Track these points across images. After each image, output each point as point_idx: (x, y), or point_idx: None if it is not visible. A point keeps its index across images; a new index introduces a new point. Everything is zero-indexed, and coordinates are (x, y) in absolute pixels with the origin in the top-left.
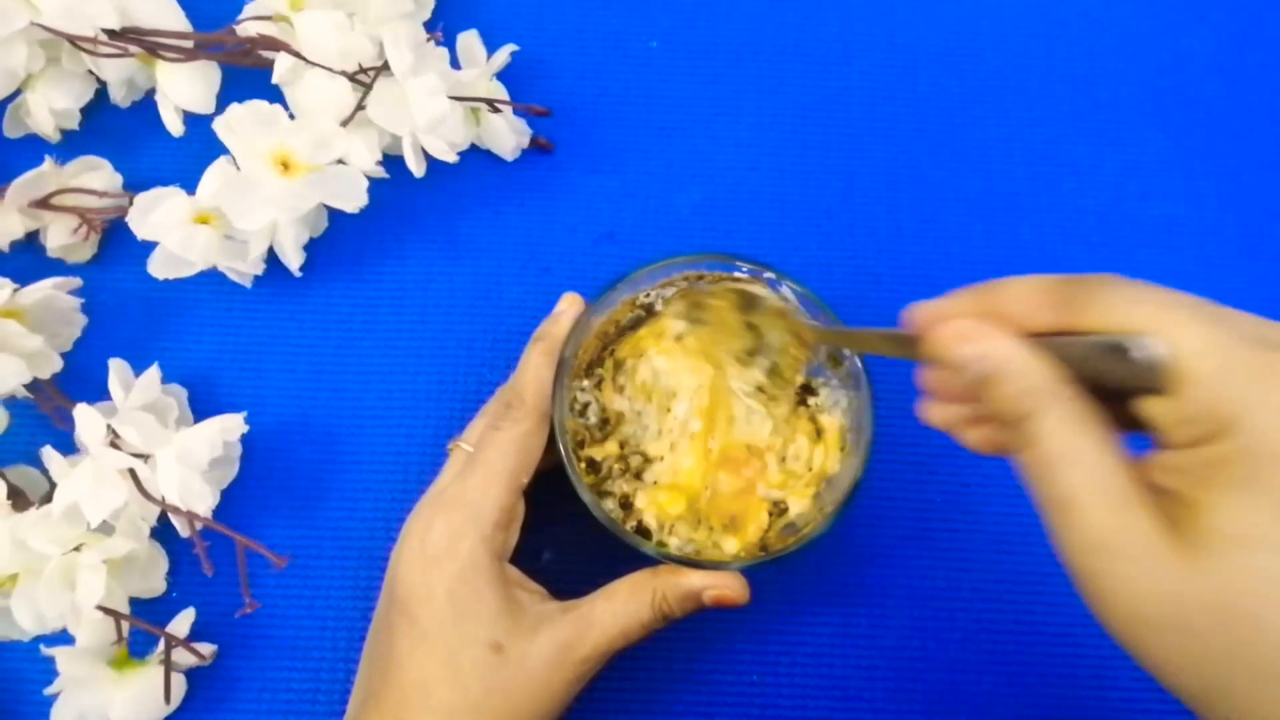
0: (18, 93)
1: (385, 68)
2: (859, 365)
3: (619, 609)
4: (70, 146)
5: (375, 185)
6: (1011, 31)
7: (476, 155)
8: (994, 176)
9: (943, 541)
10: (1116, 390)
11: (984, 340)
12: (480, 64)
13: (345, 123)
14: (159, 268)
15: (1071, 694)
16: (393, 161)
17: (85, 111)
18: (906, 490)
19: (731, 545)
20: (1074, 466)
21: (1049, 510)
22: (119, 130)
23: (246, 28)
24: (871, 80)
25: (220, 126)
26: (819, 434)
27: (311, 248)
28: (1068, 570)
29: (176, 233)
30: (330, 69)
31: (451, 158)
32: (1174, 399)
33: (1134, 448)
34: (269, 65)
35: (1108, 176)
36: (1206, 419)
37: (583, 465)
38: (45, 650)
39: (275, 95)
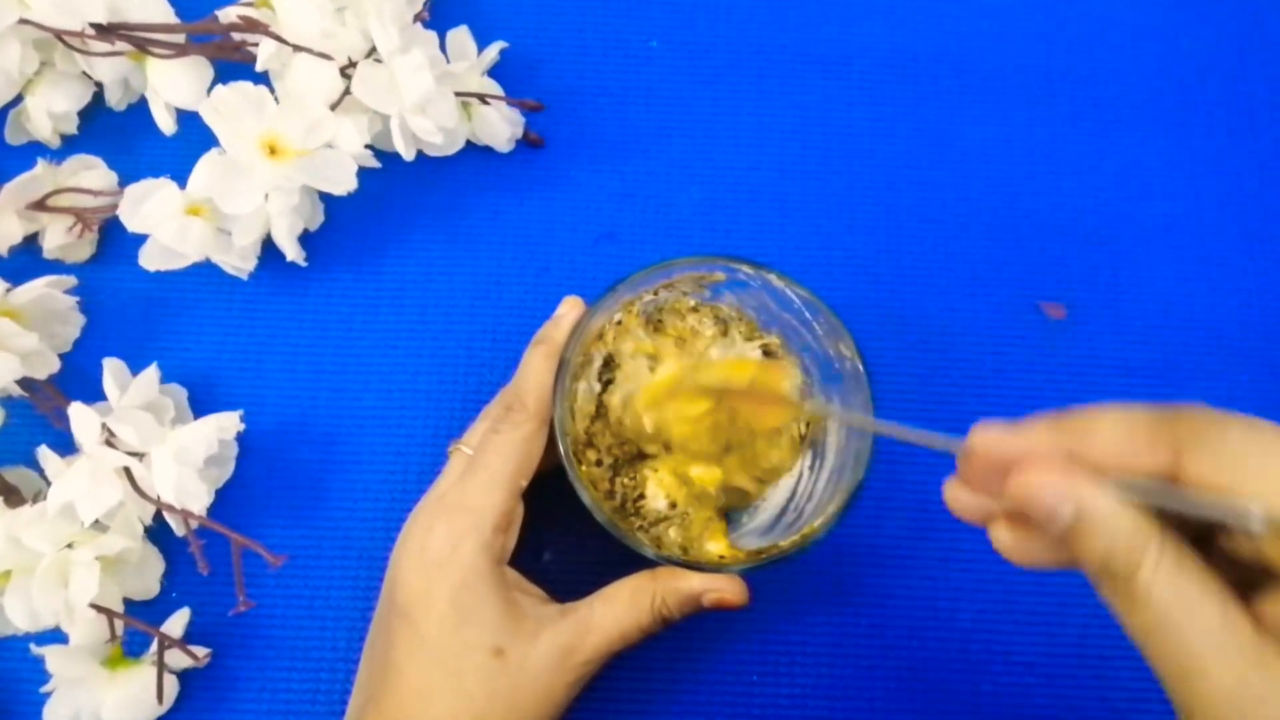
0: (19, 100)
1: (374, 52)
2: (859, 367)
3: (618, 612)
4: (68, 151)
5: (372, 181)
6: (1011, 31)
7: (473, 152)
8: (994, 176)
9: (943, 542)
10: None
11: (1076, 489)
12: (471, 59)
13: (334, 106)
14: (151, 260)
15: (1072, 694)
16: (391, 158)
17: (82, 115)
18: (906, 490)
19: (716, 547)
20: (1197, 617)
21: (1169, 676)
22: (115, 132)
23: (228, 13)
24: (871, 80)
25: (207, 110)
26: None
27: (310, 246)
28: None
29: (169, 225)
30: (312, 50)
31: (438, 139)
32: None
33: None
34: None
35: (1108, 176)
36: None
37: (583, 467)
38: (35, 650)
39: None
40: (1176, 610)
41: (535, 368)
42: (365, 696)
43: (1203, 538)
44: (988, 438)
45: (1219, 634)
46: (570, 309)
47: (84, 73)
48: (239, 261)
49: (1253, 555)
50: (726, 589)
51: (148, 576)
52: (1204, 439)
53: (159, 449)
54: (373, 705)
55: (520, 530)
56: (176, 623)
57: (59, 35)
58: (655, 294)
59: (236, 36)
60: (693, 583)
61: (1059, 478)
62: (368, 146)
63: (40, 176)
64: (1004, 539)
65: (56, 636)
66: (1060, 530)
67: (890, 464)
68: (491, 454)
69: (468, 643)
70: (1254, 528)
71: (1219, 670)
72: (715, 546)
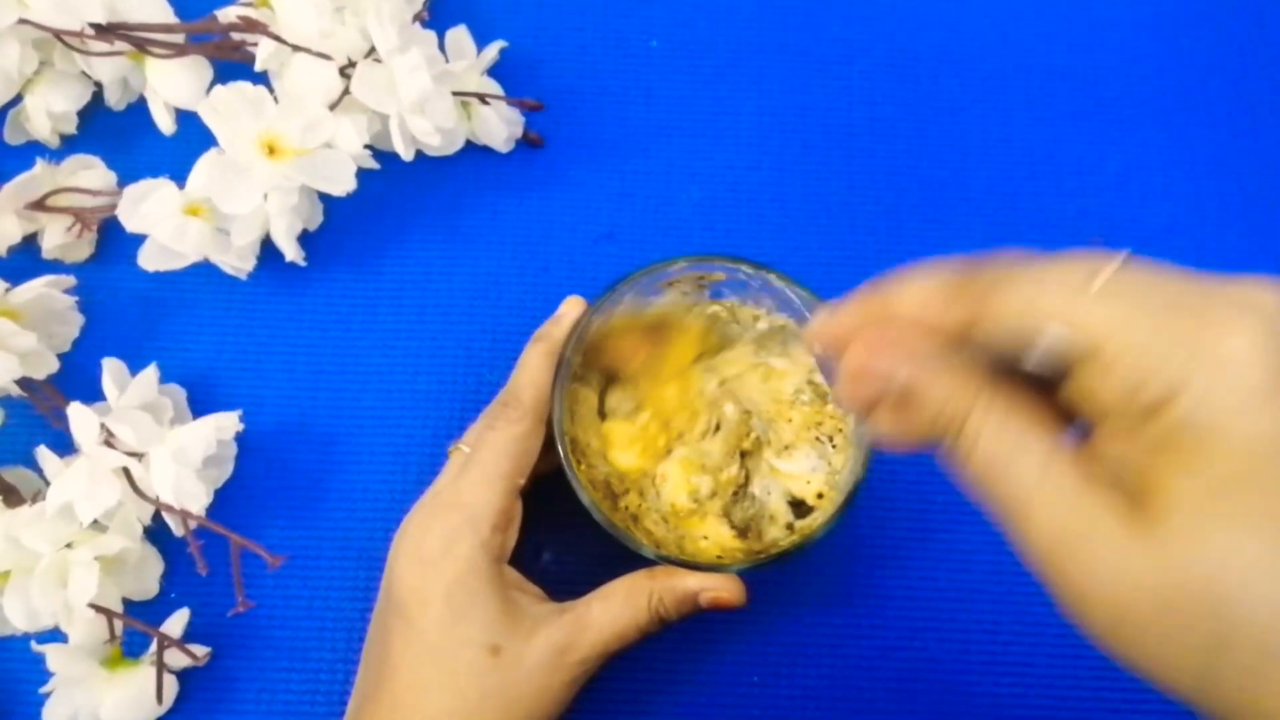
0: (18, 100)
1: (373, 52)
2: None
3: (616, 611)
4: (67, 151)
5: (372, 181)
6: (1011, 31)
7: (472, 151)
8: (994, 176)
9: (943, 542)
10: (1044, 377)
11: (888, 355)
12: (470, 58)
13: (333, 106)
14: (150, 260)
15: (1073, 694)
16: (390, 158)
17: (82, 115)
18: (907, 490)
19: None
20: (1018, 466)
21: (1003, 519)
22: (114, 132)
23: (228, 13)
24: (871, 80)
25: (206, 110)
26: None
27: (309, 246)
28: (1038, 576)
29: (167, 224)
30: (311, 50)
31: (435, 140)
32: (1107, 378)
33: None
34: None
35: (1108, 176)
36: (1140, 395)
37: (582, 466)
38: (36, 647)
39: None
40: (1000, 458)
41: (532, 365)
42: (362, 696)
43: (1045, 393)
44: (815, 326)
45: (1041, 478)
46: (571, 308)
47: (83, 72)
48: (238, 261)
49: (1071, 400)
50: (724, 588)
51: (147, 577)
52: (1000, 287)
53: (158, 449)
54: (368, 704)
55: (520, 530)
56: (176, 623)
57: (58, 35)
58: (655, 294)
59: (236, 36)
60: (689, 582)
61: (876, 355)
62: (367, 146)
63: (39, 176)
64: (882, 423)
65: (56, 637)
66: (895, 404)
67: (891, 464)
68: (487, 451)
69: (463, 640)
70: (1044, 349)
71: (1041, 513)
72: (708, 540)
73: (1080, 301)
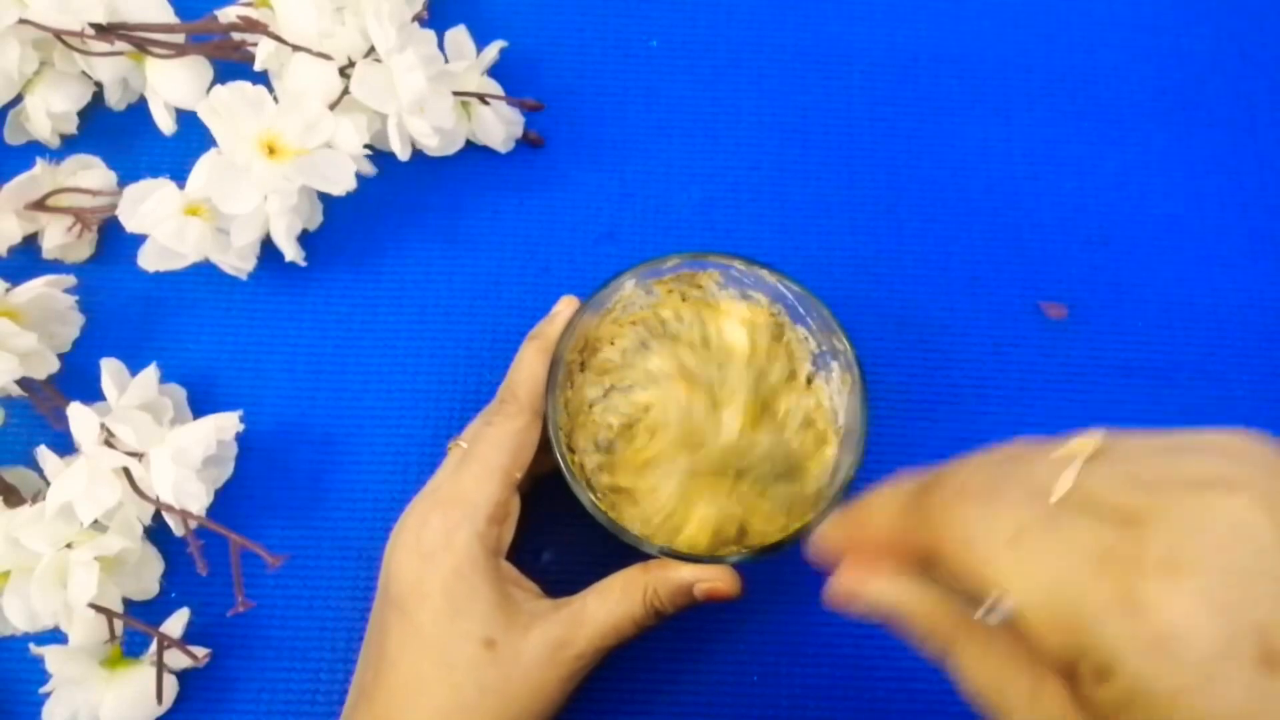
0: (18, 100)
1: (373, 52)
2: (853, 361)
3: (611, 605)
4: (67, 151)
5: (372, 181)
6: (1011, 31)
7: (473, 151)
8: (994, 176)
9: None
10: None
11: (868, 589)
12: (469, 58)
13: (333, 106)
14: (150, 260)
15: None
16: (390, 158)
17: (82, 115)
18: None
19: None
20: (1001, 698)
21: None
22: (114, 132)
23: (228, 13)
24: (871, 80)
25: (205, 110)
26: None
27: (309, 246)
28: None
29: (167, 224)
30: (311, 50)
31: (433, 141)
32: (1050, 650)
33: None
34: None
35: (1108, 176)
36: (1084, 665)
37: (578, 462)
38: (34, 649)
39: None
40: (989, 689)
41: (528, 361)
42: (359, 691)
43: None
44: (812, 550)
45: (1029, 709)
46: (566, 307)
47: (83, 73)
48: (238, 261)
49: None
50: (718, 579)
51: (147, 577)
52: (945, 522)
53: (158, 449)
54: (365, 700)
55: (519, 527)
56: (176, 623)
57: (58, 35)
58: (648, 292)
59: (236, 36)
60: (683, 573)
61: (859, 583)
62: (367, 146)
63: (39, 176)
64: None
65: (56, 637)
66: (888, 622)
67: (890, 462)
68: (484, 445)
69: (459, 633)
70: (993, 620)
71: None
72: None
73: (1001, 565)
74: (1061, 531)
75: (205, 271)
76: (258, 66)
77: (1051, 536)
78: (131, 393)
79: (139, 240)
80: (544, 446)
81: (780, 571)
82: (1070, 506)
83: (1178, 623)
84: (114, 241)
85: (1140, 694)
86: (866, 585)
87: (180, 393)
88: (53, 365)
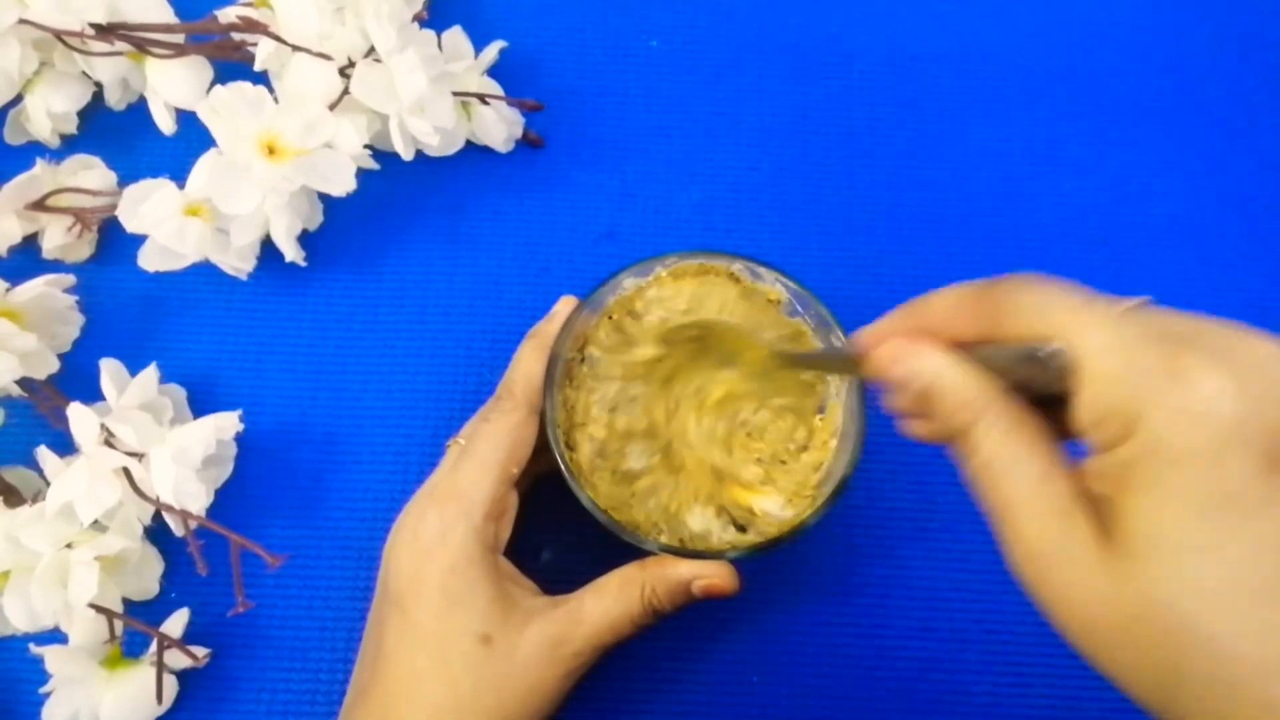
0: (18, 100)
1: (373, 52)
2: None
3: (609, 603)
4: (68, 151)
5: (372, 181)
6: (1011, 31)
7: (473, 152)
8: (994, 176)
9: (944, 541)
10: (1049, 397)
11: (914, 359)
12: (469, 58)
13: (333, 106)
14: (150, 260)
15: (1073, 694)
16: (390, 158)
17: (82, 115)
18: (907, 490)
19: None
20: (1010, 474)
21: (992, 519)
22: (115, 132)
23: (228, 13)
24: (871, 80)
25: (205, 110)
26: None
27: (309, 246)
28: (1019, 581)
29: (168, 225)
30: (311, 50)
31: (434, 140)
32: (1086, 401)
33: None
34: None
35: (1108, 176)
36: (1114, 419)
37: (576, 460)
38: (34, 649)
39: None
40: (1001, 460)
41: (524, 358)
42: (358, 689)
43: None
44: (861, 335)
45: (1035, 487)
46: (564, 307)
47: (83, 73)
48: (238, 261)
49: (1072, 422)
50: (716, 575)
51: (147, 577)
52: (1013, 302)
53: (158, 449)
54: (363, 695)
55: (517, 526)
56: (176, 623)
57: (58, 35)
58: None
59: (236, 36)
60: (681, 570)
61: (900, 349)
62: (367, 147)
63: (40, 176)
64: (915, 426)
65: (56, 637)
66: (915, 396)
67: (890, 462)
68: (481, 442)
69: (456, 629)
70: (1046, 360)
71: (1028, 518)
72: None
73: (1077, 318)
74: (1128, 311)
75: (205, 271)
76: (258, 67)
77: (1118, 310)
78: (131, 393)
79: (139, 240)
80: (544, 446)
81: (779, 572)
82: (1137, 308)
83: (1209, 394)
84: (114, 241)
85: (1152, 453)
86: (912, 351)
87: (180, 393)
88: (53, 365)
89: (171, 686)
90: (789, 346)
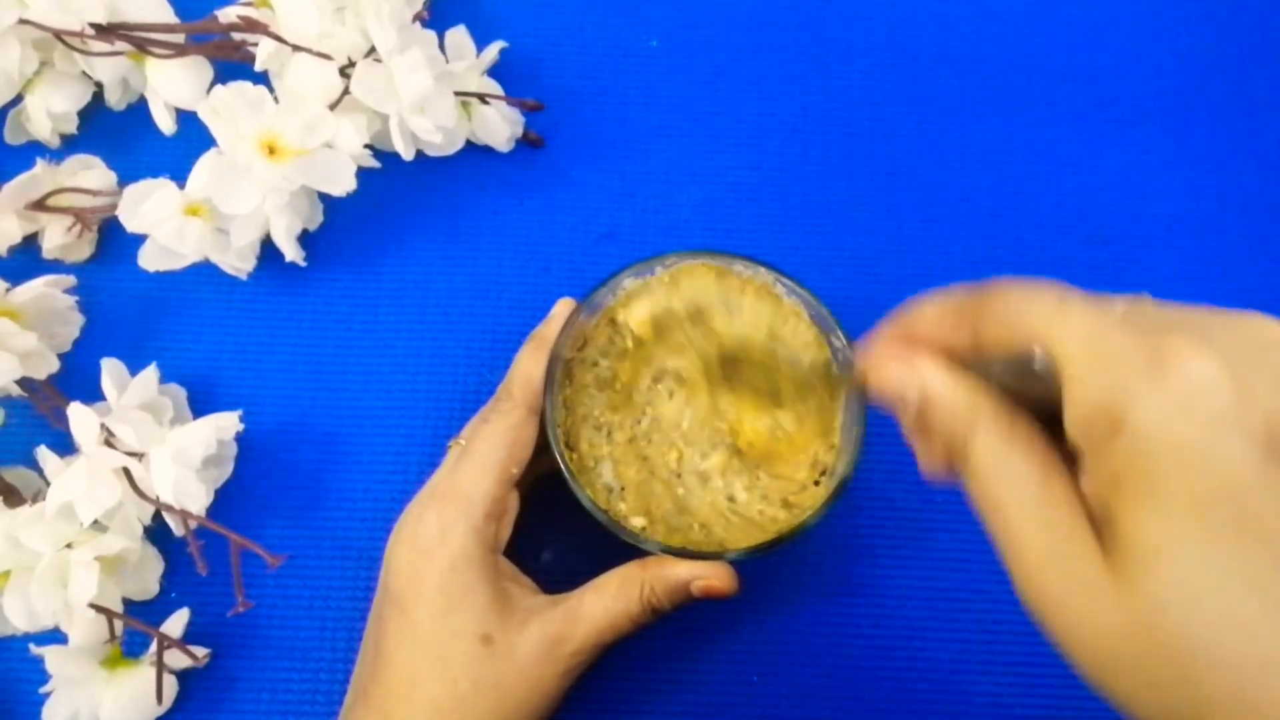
0: (18, 100)
1: (373, 52)
2: (851, 358)
3: (607, 601)
4: (68, 151)
5: (372, 181)
6: (1011, 31)
7: (473, 151)
8: (994, 176)
9: (944, 542)
10: (1049, 407)
11: (905, 370)
12: (470, 58)
13: (333, 106)
14: (150, 260)
15: (1073, 694)
16: (390, 158)
17: (82, 115)
18: (908, 490)
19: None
20: (1007, 488)
21: (991, 536)
22: (115, 132)
23: (228, 13)
24: (871, 80)
25: (205, 110)
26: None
27: (309, 246)
28: (1025, 607)
29: (168, 225)
30: (311, 50)
31: (437, 139)
32: (1071, 404)
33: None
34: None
35: (1108, 176)
36: (1100, 419)
37: (576, 460)
38: (34, 649)
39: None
40: (999, 478)
41: (524, 360)
42: (358, 689)
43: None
44: (858, 362)
45: (1035, 505)
46: (563, 309)
47: (83, 73)
48: (238, 261)
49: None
50: (715, 575)
51: (147, 577)
52: (992, 309)
53: (158, 449)
54: (362, 695)
55: (517, 526)
56: (176, 623)
57: (58, 35)
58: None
59: (236, 36)
60: (680, 571)
61: (890, 360)
62: (367, 146)
63: (40, 176)
64: (927, 457)
65: (56, 637)
66: (914, 413)
67: (891, 461)
68: (480, 442)
69: (455, 629)
70: (1036, 367)
71: (1031, 541)
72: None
73: (1053, 319)
74: (1103, 303)
75: (205, 271)
76: (258, 66)
77: (1094, 304)
78: (131, 393)
79: (139, 240)
80: (544, 446)
81: (779, 572)
82: (1117, 303)
83: (1196, 378)
84: (114, 241)
85: (1142, 451)
86: (908, 362)
87: (180, 393)
88: (53, 365)
89: (171, 686)
90: (805, 357)
